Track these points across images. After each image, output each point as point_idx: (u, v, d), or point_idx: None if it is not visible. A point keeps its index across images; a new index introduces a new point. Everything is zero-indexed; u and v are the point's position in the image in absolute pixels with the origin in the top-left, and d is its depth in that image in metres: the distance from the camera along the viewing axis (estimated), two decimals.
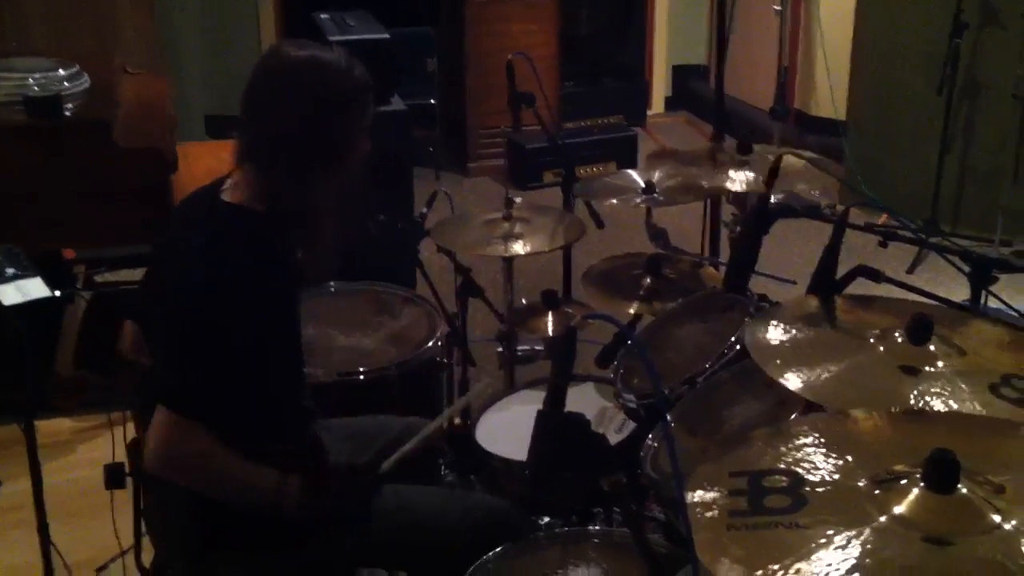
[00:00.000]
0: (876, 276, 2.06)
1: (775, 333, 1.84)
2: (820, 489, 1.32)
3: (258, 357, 1.96)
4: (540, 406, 1.78)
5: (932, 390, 1.62)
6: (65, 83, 3.76)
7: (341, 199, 2.09)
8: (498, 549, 1.94)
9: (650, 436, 2.18)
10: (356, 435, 2.34)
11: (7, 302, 2.38)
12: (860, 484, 1.33)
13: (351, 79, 2.01)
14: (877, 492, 1.30)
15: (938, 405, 1.58)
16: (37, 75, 3.74)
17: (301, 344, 2.17)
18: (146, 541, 2.48)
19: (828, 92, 5.76)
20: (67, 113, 3.66)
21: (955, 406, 1.58)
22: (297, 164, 1.98)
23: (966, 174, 5.03)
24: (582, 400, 2.69)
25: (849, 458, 1.38)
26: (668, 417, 2.09)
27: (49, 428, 3.35)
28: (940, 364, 1.69)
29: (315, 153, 2.00)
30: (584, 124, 6.29)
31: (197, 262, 1.97)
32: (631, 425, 2.42)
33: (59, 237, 3.66)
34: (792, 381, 1.67)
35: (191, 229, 2.06)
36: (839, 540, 1.23)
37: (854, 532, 1.24)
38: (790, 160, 2.60)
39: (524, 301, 3.18)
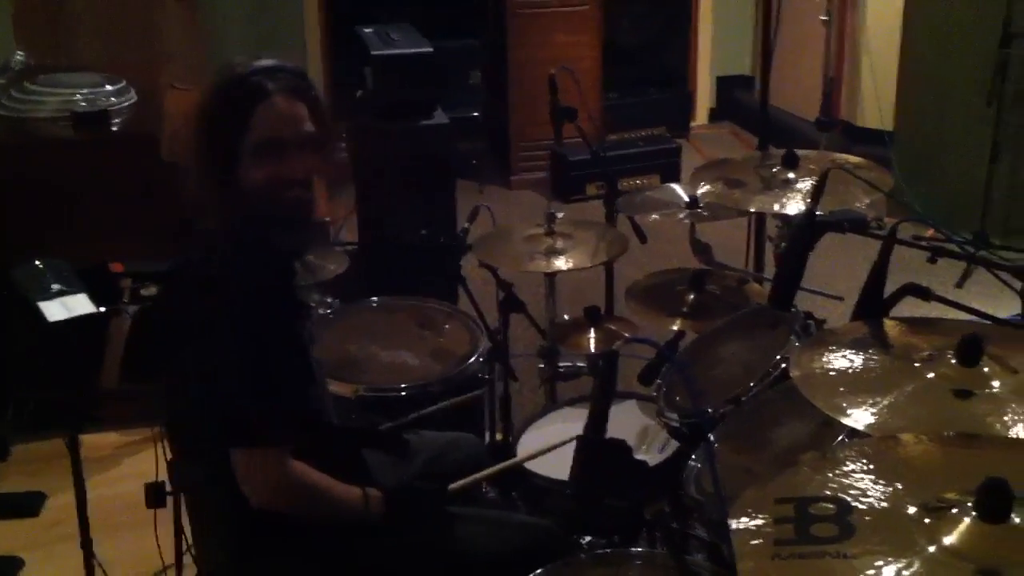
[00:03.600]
0: (925, 294, 2.02)
1: (822, 363, 1.80)
2: (868, 517, 1.29)
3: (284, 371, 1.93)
4: (581, 424, 1.76)
5: (986, 414, 1.57)
6: (112, 98, 3.80)
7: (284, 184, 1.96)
8: (539, 571, 1.92)
9: (694, 456, 2.15)
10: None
11: (52, 318, 2.40)
12: (910, 512, 1.30)
13: (228, 85, 1.94)
14: (927, 521, 1.27)
15: (993, 429, 1.53)
16: (85, 90, 3.78)
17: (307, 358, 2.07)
18: (187, 558, 2.49)
19: (875, 102, 5.70)
20: (114, 128, 3.70)
21: (1011, 430, 1.53)
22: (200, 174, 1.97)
23: (1016, 186, 4.95)
24: (625, 418, 2.67)
25: (898, 485, 1.35)
26: (711, 437, 2.05)
27: (93, 442, 3.38)
28: (995, 385, 1.64)
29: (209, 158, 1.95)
30: (627, 136, 6.26)
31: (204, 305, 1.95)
32: (674, 444, 2.39)
33: (106, 251, 3.68)
34: (841, 413, 1.63)
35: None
36: (888, 572, 1.20)
37: (903, 563, 1.21)
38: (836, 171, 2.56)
39: (567, 316, 3.16)
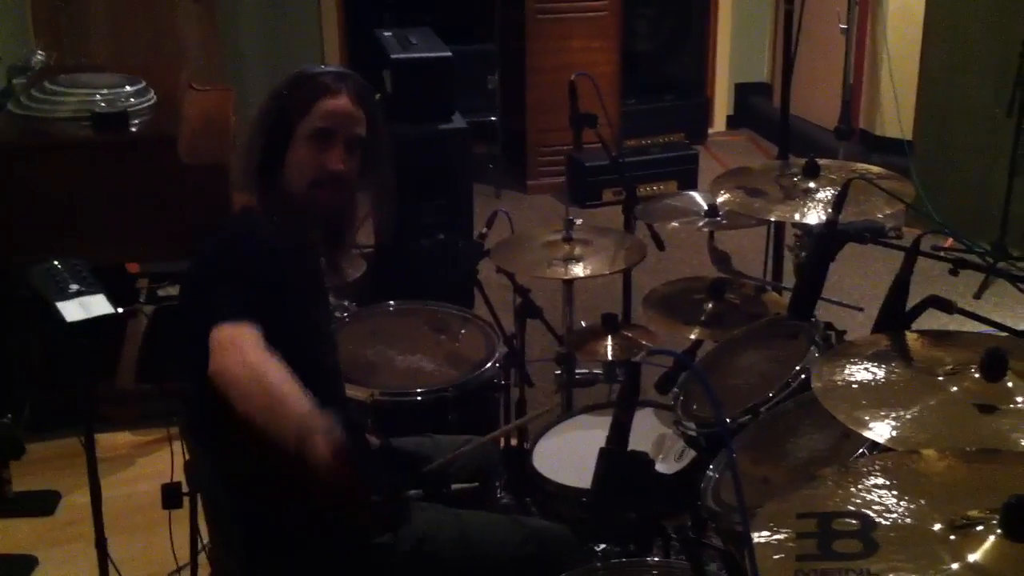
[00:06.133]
0: (948, 307, 2.00)
1: (844, 375, 1.78)
2: (892, 533, 1.28)
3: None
4: (597, 431, 1.75)
5: (1010, 429, 1.56)
6: (132, 99, 3.80)
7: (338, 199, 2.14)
8: None
9: (711, 466, 2.13)
10: (411, 454, 2.33)
11: (70, 319, 2.39)
12: (934, 528, 1.28)
13: (302, 78, 2.10)
14: (952, 538, 1.26)
15: (1018, 445, 1.52)
16: (104, 91, 3.78)
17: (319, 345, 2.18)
18: (202, 558, 2.49)
19: (894, 111, 5.67)
20: (133, 129, 3.70)
21: None
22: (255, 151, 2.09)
23: None
24: (641, 426, 2.62)
25: (922, 501, 1.33)
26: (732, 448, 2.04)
27: (109, 441, 3.38)
28: (1018, 400, 1.62)
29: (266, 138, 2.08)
30: (645, 142, 6.25)
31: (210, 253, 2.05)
32: (691, 453, 2.38)
33: (123, 251, 3.70)
34: (863, 426, 1.62)
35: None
36: None
37: None
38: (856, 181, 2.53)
39: (583, 323, 3.14)
